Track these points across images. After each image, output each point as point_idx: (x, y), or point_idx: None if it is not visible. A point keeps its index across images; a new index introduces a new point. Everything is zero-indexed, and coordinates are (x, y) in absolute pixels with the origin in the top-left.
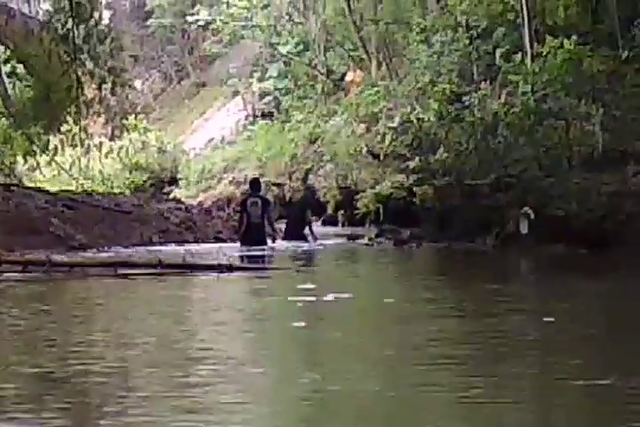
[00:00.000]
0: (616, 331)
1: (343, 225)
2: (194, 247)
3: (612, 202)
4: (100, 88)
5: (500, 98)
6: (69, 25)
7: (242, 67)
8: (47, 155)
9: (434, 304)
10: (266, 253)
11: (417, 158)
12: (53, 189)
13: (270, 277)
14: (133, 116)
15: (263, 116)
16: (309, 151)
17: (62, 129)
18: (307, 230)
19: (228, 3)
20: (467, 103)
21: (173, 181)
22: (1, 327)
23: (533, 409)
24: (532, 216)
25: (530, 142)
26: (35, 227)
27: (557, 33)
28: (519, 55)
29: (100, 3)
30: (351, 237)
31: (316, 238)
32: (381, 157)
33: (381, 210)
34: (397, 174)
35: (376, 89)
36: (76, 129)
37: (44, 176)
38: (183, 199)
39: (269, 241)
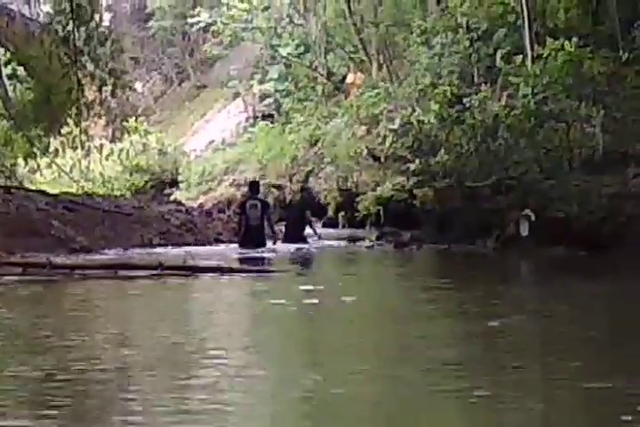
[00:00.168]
0: (616, 333)
1: (344, 227)
2: (194, 249)
3: (613, 204)
4: (100, 90)
5: (500, 100)
6: (70, 27)
7: (242, 69)
8: (48, 157)
9: (435, 306)
10: (265, 255)
11: (417, 160)
12: (54, 191)
13: (271, 279)
14: (134, 118)
15: (264, 118)
16: (310, 153)
17: (63, 131)
18: (307, 231)
19: (228, 5)
20: (467, 105)
21: (174, 183)
22: (1, 329)
23: (535, 411)
24: (533, 218)
25: (530, 144)
26: (35, 229)
27: (558, 35)
28: (520, 57)
29: (101, 5)
30: (352, 240)
31: (319, 236)
32: (382, 160)
33: (382, 212)
34: (398, 176)
35: (376, 91)
36: (76, 131)
37: (45, 178)
38: (184, 201)
39: (269, 243)
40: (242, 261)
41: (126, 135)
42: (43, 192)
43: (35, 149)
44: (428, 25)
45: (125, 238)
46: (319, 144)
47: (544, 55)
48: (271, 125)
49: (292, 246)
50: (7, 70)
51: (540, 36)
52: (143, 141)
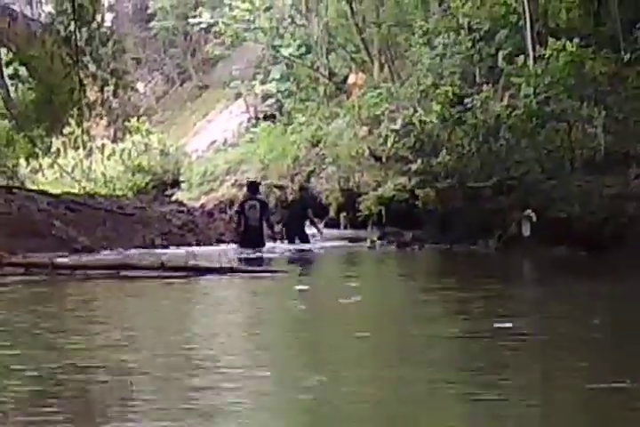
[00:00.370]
0: (618, 333)
1: (345, 228)
2: (196, 250)
3: (614, 204)
4: (102, 90)
5: (502, 100)
6: (72, 27)
7: (244, 69)
8: (49, 157)
9: (438, 306)
10: (265, 255)
11: (419, 161)
12: (56, 191)
13: (272, 279)
14: (136, 118)
15: (265, 118)
16: (311, 154)
17: (65, 131)
18: (312, 230)
19: (230, 5)
20: (469, 105)
21: (175, 184)
22: (3, 329)
23: (538, 411)
24: (535, 219)
25: (532, 145)
26: (37, 229)
27: (560, 35)
28: (521, 58)
29: (103, 5)
30: (353, 240)
31: (321, 233)
32: (384, 160)
33: (384, 212)
34: (400, 177)
35: (378, 91)
36: (78, 131)
37: (47, 178)
38: (185, 202)
39: (270, 243)
40: (242, 261)
41: (128, 135)
42: (44, 192)
43: (36, 150)
44: (430, 25)
45: (127, 239)
46: (321, 144)
47: (546, 56)
48: (273, 126)
49: (293, 247)
50: (9, 70)
51: (541, 36)
52: (145, 142)
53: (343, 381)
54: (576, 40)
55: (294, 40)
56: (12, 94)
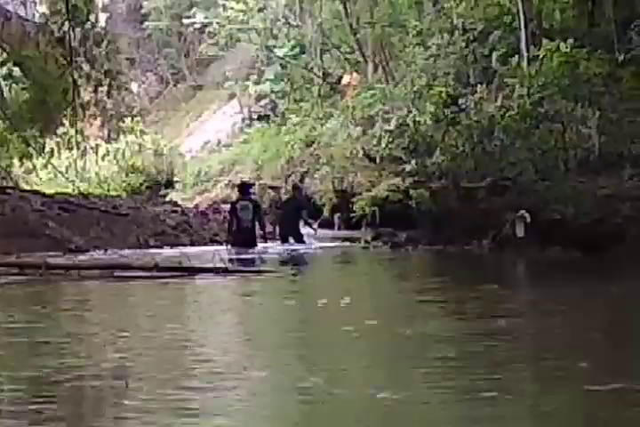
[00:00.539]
0: (614, 333)
1: (339, 228)
2: (190, 250)
3: (609, 205)
4: (96, 91)
5: (496, 101)
6: (66, 28)
7: (238, 69)
8: (43, 157)
9: (432, 306)
10: (258, 255)
11: (413, 161)
12: (50, 191)
13: (266, 280)
14: (130, 118)
15: (259, 118)
16: (305, 154)
17: (58, 132)
18: (308, 230)
19: (224, 6)
20: (463, 106)
21: (169, 184)
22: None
23: (538, 412)
24: (528, 219)
25: (526, 145)
26: (31, 230)
27: (554, 36)
28: (515, 58)
29: (97, 6)
30: (347, 240)
31: (315, 230)
32: (378, 160)
33: (377, 213)
34: (394, 177)
35: (372, 92)
36: (72, 132)
37: (41, 179)
38: (179, 202)
39: (262, 244)
40: (234, 261)
41: (122, 136)
42: (38, 193)
43: (30, 150)
44: (424, 26)
45: (121, 239)
46: (315, 145)
47: (540, 56)
48: (267, 126)
49: (287, 247)
50: (2, 71)
51: (535, 37)
52: (139, 142)
53: (339, 381)
54: (570, 41)
55: (288, 40)
56: (6, 94)
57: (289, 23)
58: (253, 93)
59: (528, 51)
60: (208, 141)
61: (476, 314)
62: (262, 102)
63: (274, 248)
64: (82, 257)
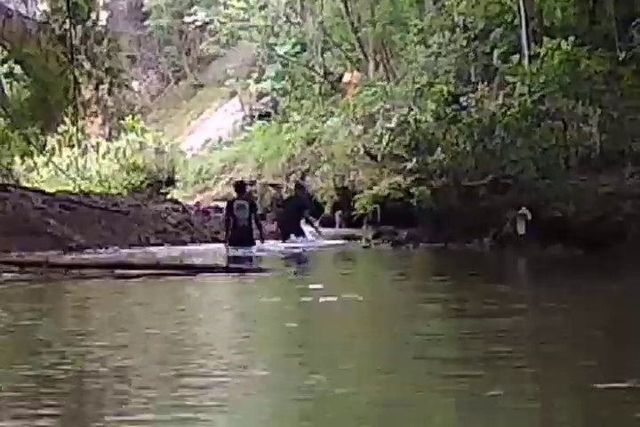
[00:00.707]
0: (619, 331)
1: (340, 226)
2: (190, 248)
3: (610, 203)
4: (97, 89)
5: (497, 99)
6: (67, 26)
7: (239, 67)
8: (44, 155)
9: (434, 305)
10: (256, 254)
11: (414, 159)
12: (51, 189)
13: (267, 278)
14: (131, 116)
15: (260, 116)
16: (307, 152)
17: (59, 130)
18: (310, 229)
19: (225, 3)
20: (464, 104)
21: (170, 182)
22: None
23: (542, 410)
24: (530, 217)
25: (527, 143)
26: (32, 228)
27: (555, 34)
28: (516, 56)
29: (98, 3)
30: (348, 238)
31: (318, 231)
32: (379, 158)
33: (379, 211)
34: (395, 175)
35: (373, 90)
36: (73, 130)
37: (42, 177)
38: (180, 200)
39: (259, 242)
40: (231, 260)
41: (123, 134)
42: (39, 191)
43: (31, 148)
44: (425, 24)
45: (122, 237)
46: (316, 143)
47: (541, 54)
48: (268, 124)
49: (286, 245)
50: (4, 69)
51: (536, 35)
52: (140, 140)
53: (341, 380)
54: (571, 39)
55: (289, 38)
56: (7, 92)
57: (290, 21)
58: (254, 91)
59: (529, 49)
60: (209, 139)
61: (478, 312)
62: (263, 100)
63: (274, 246)
64: (83, 255)
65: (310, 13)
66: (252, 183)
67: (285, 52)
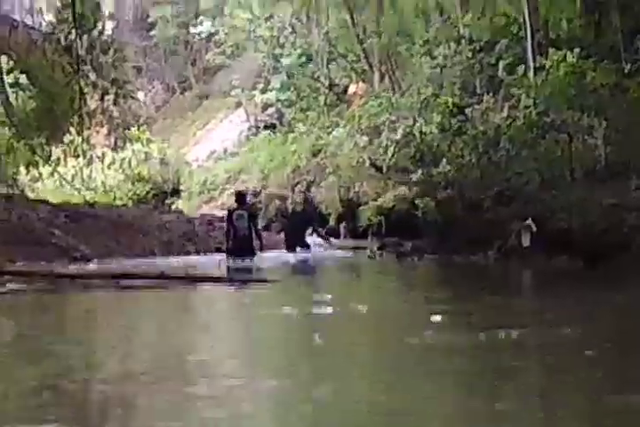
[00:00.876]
0: (625, 343)
1: (345, 237)
2: (195, 258)
3: (615, 215)
4: (102, 99)
5: (502, 111)
6: (72, 36)
7: (245, 78)
8: (50, 165)
9: (440, 316)
10: (259, 265)
11: (419, 171)
12: (56, 200)
13: (270, 288)
14: (136, 127)
15: (266, 127)
16: (312, 163)
17: (65, 140)
18: (318, 240)
19: (231, 14)
20: (469, 116)
21: (175, 193)
22: (3, 338)
23: (548, 423)
24: (534, 229)
25: (532, 155)
26: (37, 238)
27: (560, 46)
28: (522, 68)
29: (103, 14)
30: (353, 250)
31: (329, 241)
32: (384, 170)
33: (383, 222)
34: (400, 187)
35: (379, 101)
36: (78, 140)
37: (47, 187)
38: (185, 211)
39: (258, 253)
40: (234, 270)
41: (128, 144)
42: (44, 201)
43: (37, 158)
44: (431, 35)
45: (127, 248)
46: (321, 154)
47: (546, 66)
48: (273, 135)
49: (293, 255)
50: (10, 79)
51: (542, 47)
52: (145, 151)
53: (351, 391)
54: (577, 51)
55: (295, 49)
56: (13, 102)
57: (295, 32)
58: (260, 102)
59: (534, 61)
60: (214, 150)
61: (483, 324)
62: (269, 111)
63: (279, 256)
64: (88, 266)
65: (316, 24)
66: (257, 194)
67: (291, 63)
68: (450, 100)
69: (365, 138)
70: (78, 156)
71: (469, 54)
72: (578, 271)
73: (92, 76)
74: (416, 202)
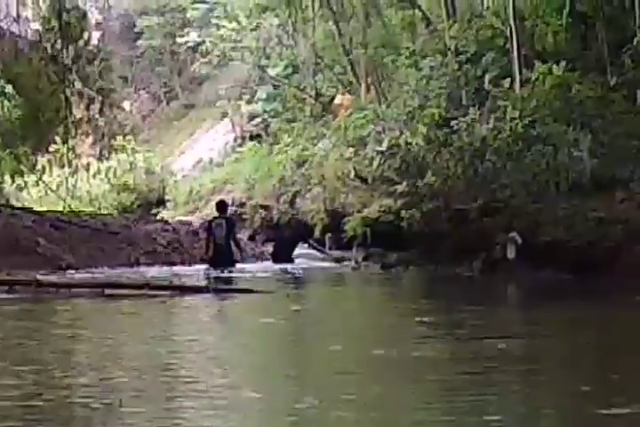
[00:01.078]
0: (613, 355)
1: (330, 248)
2: (180, 269)
3: (600, 228)
4: (88, 108)
5: (488, 123)
6: (59, 45)
7: (231, 89)
8: (35, 175)
9: (424, 328)
10: (241, 274)
11: (405, 182)
12: (41, 209)
13: (255, 298)
14: (122, 136)
15: (252, 138)
16: (297, 174)
17: (50, 149)
18: (311, 251)
19: (217, 25)
20: (455, 128)
21: (161, 203)
22: None
23: None
24: (520, 241)
25: (518, 168)
26: (22, 247)
27: (546, 59)
28: (508, 80)
29: (90, 23)
30: (338, 261)
31: (327, 253)
32: (369, 181)
33: (369, 233)
34: (385, 198)
35: (365, 112)
36: (64, 149)
37: (32, 196)
38: (170, 220)
39: (239, 262)
40: (213, 279)
41: (114, 154)
42: (29, 210)
43: (22, 167)
44: (417, 47)
45: (112, 257)
46: (307, 165)
47: (532, 79)
48: (259, 146)
49: (277, 267)
50: None
51: (528, 59)
52: (131, 160)
53: (334, 403)
54: (562, 63)
55: (281, 60)
56: None
57: (282, 43)
58: (246, 113)
59: (520, 73)
60: (200, 160)
61: (468, 336)
62: (254, 122)
63: (265, 267)
64: (72, 275)
65: (302, 35)
66: (242, 204)
67: (277, 74)
68: (436, 111)
69: (351, 149)
70: (64, 165)
71: (455, 66)
72: (563, 284)
73: (78, 86)
74: (401, 213)
